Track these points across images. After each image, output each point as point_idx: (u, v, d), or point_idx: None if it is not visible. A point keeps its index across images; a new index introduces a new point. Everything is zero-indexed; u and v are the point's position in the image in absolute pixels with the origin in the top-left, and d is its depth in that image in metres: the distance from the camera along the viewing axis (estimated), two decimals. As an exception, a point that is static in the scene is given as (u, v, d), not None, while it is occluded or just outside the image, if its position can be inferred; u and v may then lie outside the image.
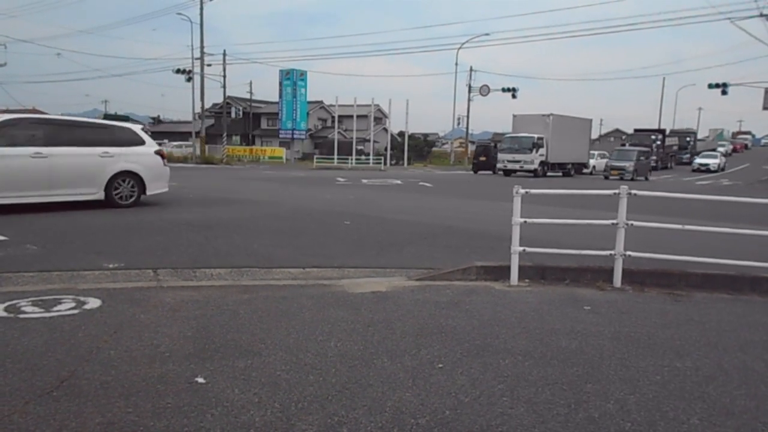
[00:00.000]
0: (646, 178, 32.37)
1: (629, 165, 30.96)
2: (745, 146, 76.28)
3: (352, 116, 41.49)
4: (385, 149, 42.81)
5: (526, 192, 5.85)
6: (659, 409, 2.97)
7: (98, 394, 2.91)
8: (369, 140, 42.82)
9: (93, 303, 4.46)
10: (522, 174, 30.76)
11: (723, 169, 43.12)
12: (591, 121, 36.89)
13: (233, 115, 49.43)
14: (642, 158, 32.61)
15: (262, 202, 13.01)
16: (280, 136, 45.70)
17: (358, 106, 40.29)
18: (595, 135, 54.29)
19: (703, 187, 25.77)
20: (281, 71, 43.54)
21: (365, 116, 43.63)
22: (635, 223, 5.80)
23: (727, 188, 26.11)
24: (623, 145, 42.61)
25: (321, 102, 58.02)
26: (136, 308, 4.39)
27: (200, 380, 3.13)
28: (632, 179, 29.76)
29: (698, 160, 44.21)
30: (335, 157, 39.79)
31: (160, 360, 3.39)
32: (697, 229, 6.26)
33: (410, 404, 2.92)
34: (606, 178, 31.21)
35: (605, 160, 39.16)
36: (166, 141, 48.06)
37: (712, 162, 42.78)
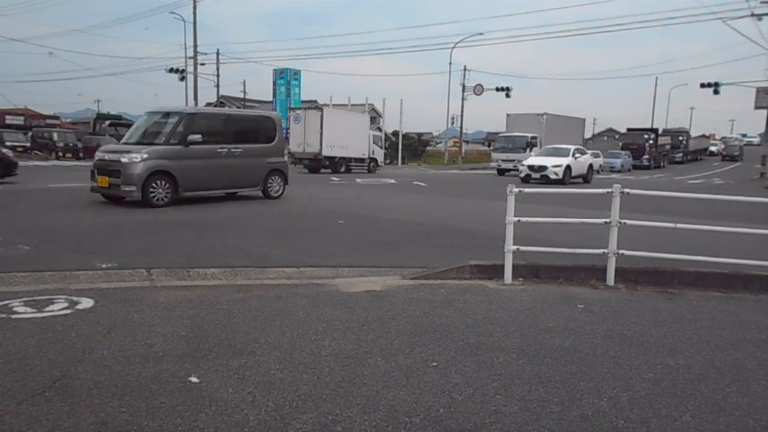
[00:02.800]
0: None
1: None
2: None
3: (346, 116, 41.39)
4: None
5: (520, 191, 5.87)
6: (652, 407, 2.99)
7: (91, 394, 2.90)
8: (363, 139, 42.77)
9: (86, 303, 4.44)
10: (516, 173, 30.81)
11: (587, 180, 25.73)
12: (584, 120, 37.10)
13: (227, 114, 49.18)
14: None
15: (256, 201, 12.97)
16: (274, 135, 45.59)
17: (352, 105, 40.29)
18: (588, 134, 54.52)
19: (695, 186, 25.92)
20: (275, 70, 43.47)
21: (359, 116, 43.55)
22: (628, 221, 5.82)
23: (719, 187, 26.27)
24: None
25: (315, 101, 57.90)
26: (130, 308, 4.37)
27: (194, 380, 3.12)
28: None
29: (529, 162, 24.88)
30: (329, 156, 39.70)
31: (154, 359, 3.38)
32: (689, 227, 6.29)
33: (404, 403, 2.93)
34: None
35: (599, 160, 39.26)
36: (159, 140, 47.67)
37: (553, 164, 23.59)
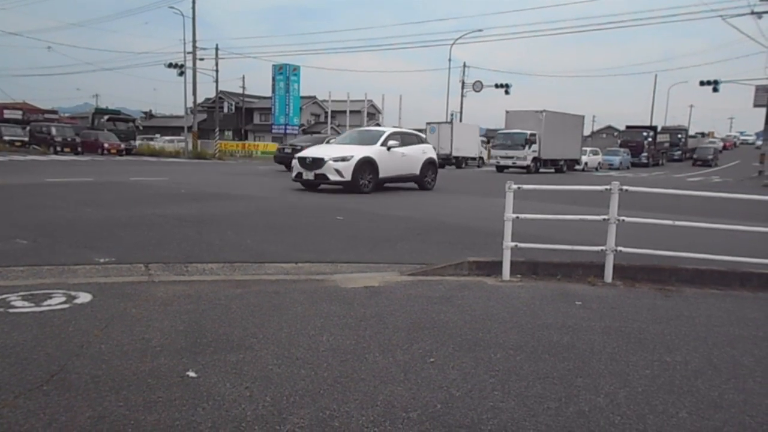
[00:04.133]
0: None
1: None
2: (734, 144, 78.50)
3: (345, 111, 41.50)
4: (379, 145, 42.82)
5: (519, 188, 5.87)
6: (648, 403, 2.99)
7: (89, 388, 2.90)
8: (362, 136, 42.83)
9: (84, 297, 4.44)
10: (514, 170, 30.86)
11: (423, 185, 16.51)
12: (583, 117, 37.00)
13: (226, 109, 49.24)
14: None
15: (255, 197, 12.96)
16: (273, 131, 45.55)
17: (351, 101, 40.33)
18: (587, 131, 54.53)
19: (694, 184, 25.93)
20: (274, 66, 43.39)
21: (358, 112, 43.58)
22: (626, 218, 5.82)
23: (718, 185, 26.28)
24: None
25: (314, 97, 57.88)
26: (128, 303, 4.37)
27: (192, 374, 3.12)
28: None
29: (302, 153, 15.35)
30: (328, 152, 39.71)
31: (152, 354, 3.38)
32: (687, 224, 6.30)
33: (402, 398, 2.93)
34: None
35: (597, 157, 39.34)
36: (158, 136, 47.77)
37: (335, 157, 14.01)
